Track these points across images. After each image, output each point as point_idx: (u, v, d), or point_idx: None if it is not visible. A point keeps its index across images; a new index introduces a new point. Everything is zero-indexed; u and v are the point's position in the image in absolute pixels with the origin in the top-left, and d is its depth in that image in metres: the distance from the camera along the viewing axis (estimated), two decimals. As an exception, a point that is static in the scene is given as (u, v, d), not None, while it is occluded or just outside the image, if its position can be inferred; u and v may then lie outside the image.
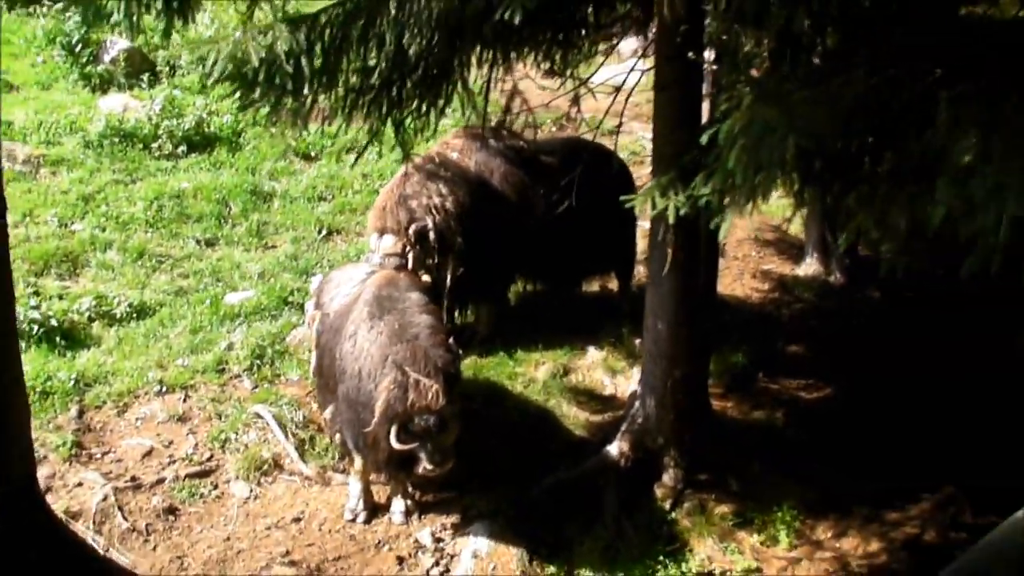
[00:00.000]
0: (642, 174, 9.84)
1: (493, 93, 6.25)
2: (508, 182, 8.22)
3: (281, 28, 4.82)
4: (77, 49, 12.40)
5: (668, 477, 7.00)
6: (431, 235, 7.57)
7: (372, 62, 5.38)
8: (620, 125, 7.29)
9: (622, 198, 5.50)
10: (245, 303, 8.58)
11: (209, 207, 10.01)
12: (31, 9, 13.23)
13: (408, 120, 5.68)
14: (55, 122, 11.02)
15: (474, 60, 5.71)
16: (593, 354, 8.37)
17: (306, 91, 5.08)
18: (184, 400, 7.49)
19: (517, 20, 4.77)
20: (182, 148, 10.98)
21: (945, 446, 7.31)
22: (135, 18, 5.48)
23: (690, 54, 5.74)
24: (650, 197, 5.34)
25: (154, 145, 10.94)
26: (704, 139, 4.64)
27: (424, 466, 5.98)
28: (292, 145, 10.99)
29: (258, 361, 7.92)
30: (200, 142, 11.04)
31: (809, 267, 9.79)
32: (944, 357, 8.28)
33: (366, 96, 5.47)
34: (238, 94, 5.09)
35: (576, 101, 7.08)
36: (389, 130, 5.97)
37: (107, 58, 12.42)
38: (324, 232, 9.91)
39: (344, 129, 5.69)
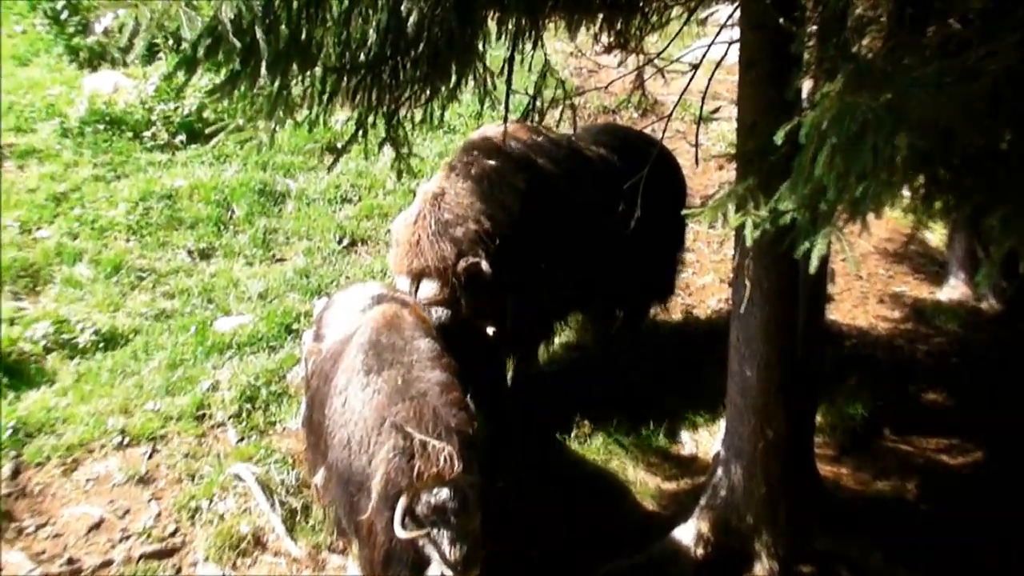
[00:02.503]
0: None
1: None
2: (566, 189, 7.66)
3: (226, -11, 4.31)
4: (63, 17, 12.18)
5: (760, 568, 6.48)
6: (486, 271, 7.00)
7: (358, 35, 4.86)
8: (715, 111, 6.78)
9: (684, 212, 4.89)
10: (239, 331, 8.25)
11: (207, 210, 9.74)
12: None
13: (404, 110, 5.14)
14: (29, 105, 10.86)
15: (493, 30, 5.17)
16: (670, 403, 7.91)
17: (265, 72, 4.56)
18: (150, 455, 7.13)
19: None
20: (180, 138, 10.74)
21: None
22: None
23: (781, 20, 5.09)
24: (721, 210, 4.73)
25: (147, 134, 10.71)
26: (780, 137, 4.02)
27: (441, 570, 5.42)
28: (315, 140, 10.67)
29: (248, 405, 7.57)
30: (202, 130, 10.74)
31: (954, 290, 9.09)
32: None
33: (351, 79, 4.95)
34: (180, 74, 4.61)
35: (641, 82, 6.53)
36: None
37: (99, 28, 12.17)
38: (346, 242, 9.61)
39: (323, 120, 5.19)
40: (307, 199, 10.08)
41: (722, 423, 6.98)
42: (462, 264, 6.90)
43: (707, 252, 9.89)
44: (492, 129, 7.55)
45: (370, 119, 5.24)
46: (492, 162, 7.35)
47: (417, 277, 6.95)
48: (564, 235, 7.50)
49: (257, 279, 8.95)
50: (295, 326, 8.34)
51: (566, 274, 7.57)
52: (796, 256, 4.45)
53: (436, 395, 5.61)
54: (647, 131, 8.66)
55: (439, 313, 6.84)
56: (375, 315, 6.15)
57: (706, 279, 9.55)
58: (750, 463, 6.39)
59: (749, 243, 4.80)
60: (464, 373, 6.19)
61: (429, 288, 6.91)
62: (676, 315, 9.05)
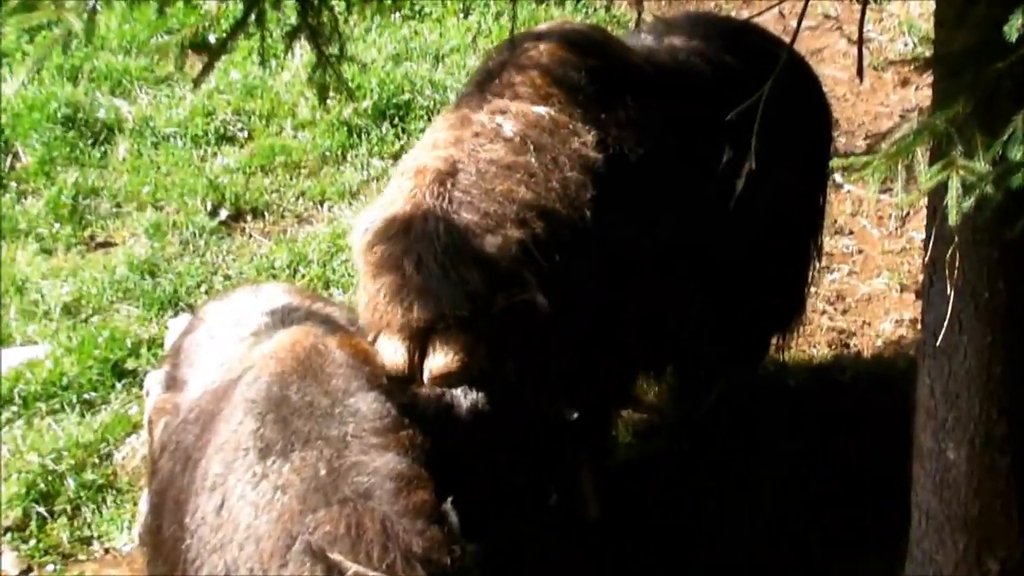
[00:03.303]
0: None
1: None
2: (656, 142, 7.69)
3: None
4: None
5: None
6: (544, 307, 6.91)
7: None
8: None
9: (835, 164, 4.90)
10: (27, 372, 8.39)
11: (-34, 153, 9.94)
12: None
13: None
14: None
15: None
16: (806, 509, 8.01)
17: None
18: None
19: None
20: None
21: None
22: None
23: None
24: (903, 159, 4.73)
25: None
26: (1014, 28, 4.00)
27: None
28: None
29: (40, 508, 7.68)
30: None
31: None
32: None
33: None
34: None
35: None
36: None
37: None
38: (224, 213, 9.86)
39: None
40: (154, 136, 10.33)
41: (905, 545, 6.99)
42: (501, 302, 6.87)
43: (876, 235, 9.96)
44: (536, 40, 7.56)
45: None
46: (542, 108, 7.40)
47: (423, 336, 6.77)
48: (654, 228, 7.60)
49: (61, 279, 9.11)
50: (130, 364, 8.48)
51: (654, 295, 7.66)
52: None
53: (388, 496, 5.59)
54: (768, 25, 8.68)
55: (471, 397, 6.69)
56: (278, 348, 6.11)
57: (874, 284, 9.61)
58: (960, 614, 6.41)
59: (954, 220, 4.80)
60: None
61: (449, 355, 6.73)
62: (819, 348, 9.15)
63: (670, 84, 7.81)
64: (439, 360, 6.63)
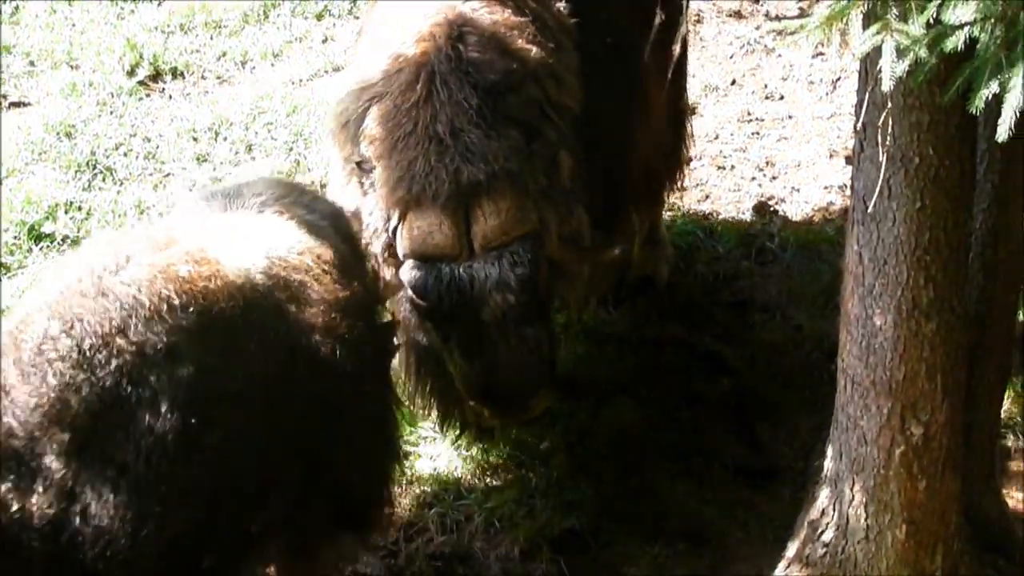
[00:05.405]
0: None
1: None
2: None
3: None
4: None
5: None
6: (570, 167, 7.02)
7: None
8: None
9: (773, 28, 4.96)
10: None
11: None
12: None
13: None
14: None
15: None
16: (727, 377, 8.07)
17: None
18: None
19: None
20: None
21: None
22: None
23: None
24: (837, 23, 4.79)
25: None
26: None
27: None
28: None
29: None
30: None
31: None
32: None
33: None
34: None
35: None
36: None
37: None
38: (142, 73, 9.86)
39: None
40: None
41: (827, 413, 7.06)
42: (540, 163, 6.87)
43: (808, 101, 9.94)
44: None
45: None
46: None
47: (468, 201, 6.66)
48: (607, 88, 7.58)
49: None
50: (47, 227, 8.49)
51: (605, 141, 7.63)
52: (973, 110, 4.50)
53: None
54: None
55: (523, 257, 6.68)
56: (128, 239, 5.86)
57: (804, 151, 9.61)
58: (880, 484, 6.47)
59: (888, 85, 4.84)
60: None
61: (501, 214, 6.68)
62: (747, 214, 9.19)
63: None
64: (492, 222, 6.65)
